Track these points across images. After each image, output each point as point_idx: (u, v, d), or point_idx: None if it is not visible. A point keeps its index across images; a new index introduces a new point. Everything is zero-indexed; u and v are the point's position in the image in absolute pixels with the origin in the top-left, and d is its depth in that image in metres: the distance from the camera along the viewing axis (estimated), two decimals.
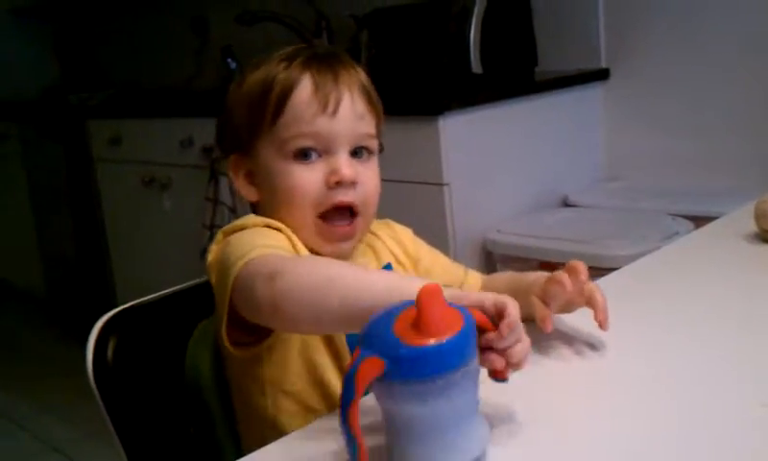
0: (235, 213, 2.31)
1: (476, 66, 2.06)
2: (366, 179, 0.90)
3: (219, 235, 0.88)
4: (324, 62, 0.90)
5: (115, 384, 0.92)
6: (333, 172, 0.87)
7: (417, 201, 1.90)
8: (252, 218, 0.88)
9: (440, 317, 0.60)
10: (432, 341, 0.59)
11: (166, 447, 0.93)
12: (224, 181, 2.33)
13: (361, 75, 0.92)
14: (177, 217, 2.72)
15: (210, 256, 0.87)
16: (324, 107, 0.87)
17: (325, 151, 0.88)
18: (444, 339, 0.59)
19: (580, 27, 2.22)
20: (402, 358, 0.59)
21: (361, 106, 0.90)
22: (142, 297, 1.01)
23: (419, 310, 0.60)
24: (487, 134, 1.95)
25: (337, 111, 0.88)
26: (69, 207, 3.24)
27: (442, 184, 1.85)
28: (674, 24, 2.07)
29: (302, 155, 0.88)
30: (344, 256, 0.92)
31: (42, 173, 3.39)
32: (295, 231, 0.89)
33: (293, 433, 0.75)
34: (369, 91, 0.92)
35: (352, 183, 0.88)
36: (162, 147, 2.69)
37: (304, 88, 0.88)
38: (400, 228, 1.03)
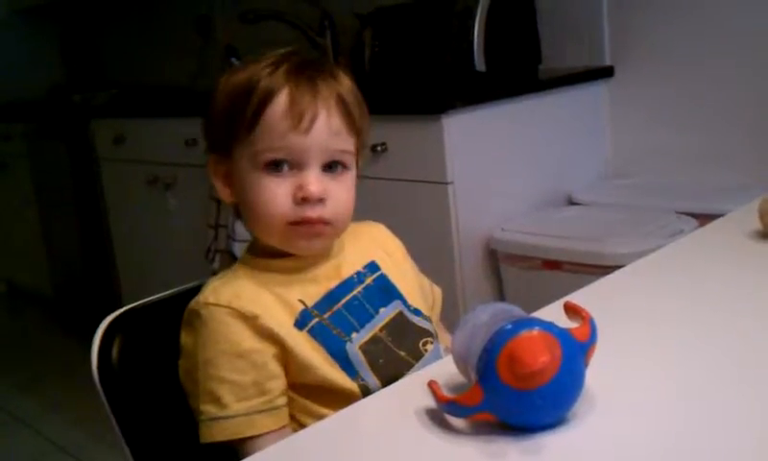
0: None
1: (480, 64, 2.06)
2: (336, 194, 0.90)
3: (186, 314, 0.90)
4: (305, 74, 0.89)
5: (120, 384, 0.92)
6: (300, 188, 0.88)
7: (421, 199, 1.90)
8: (210, 293, 0.88)
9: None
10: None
11: (171, 446, 0.93)
12: None
13: (343, 87, 0.91)
14: (181, 216, 2.72)
15: (183, 336, 0.90)
16: (298, 122, 0.87)
17: (296, 165, 0.88)
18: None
19: (584, 24, 2.21)
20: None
21: (337, 122, 0.90)
22: (147, 296, 1.01)
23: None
24: (491, 133, 1.95)
25: (311, 129, 0.87)
26: (74, 207, 3.25)
27: (446, 183, 1.85)
28: (678, 21, 2.07)
29: (273, 166, 0.88)
30: (319, 255, 0.93)
31: (47, 173, 3.40)
32: (267, 237, 0.91)
33: (292, 436, 0.75)
34: (349, 106, 0.91)
35: (320, 200, 0.88)
36: (166, 146, 2.70)
37: (280, 102, 0.87)
38: (376, 226, 1.06)
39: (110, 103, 3.27)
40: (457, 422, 0.69)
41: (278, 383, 0.87)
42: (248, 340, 0.86)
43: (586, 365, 0.68)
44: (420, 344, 0.95)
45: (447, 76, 2.11)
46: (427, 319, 0.99)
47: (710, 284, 0.99)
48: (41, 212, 3.53)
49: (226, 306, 0.87)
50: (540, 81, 2.13)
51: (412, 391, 0.76)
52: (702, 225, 1.46)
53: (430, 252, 1.81)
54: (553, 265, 1.80)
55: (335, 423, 0.75)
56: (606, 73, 2.20)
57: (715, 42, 2.02)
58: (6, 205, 3.80)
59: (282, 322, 0.88)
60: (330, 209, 0.89)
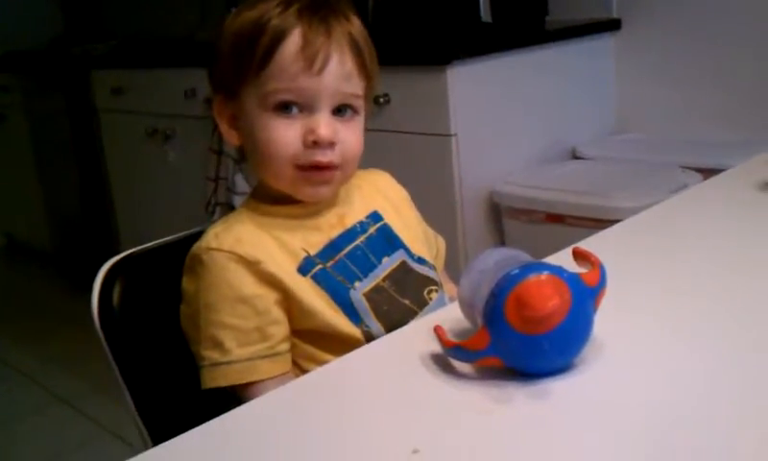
0: (240, 164, 2.30)
1: (485, 15, 2.02)
2: (345, 138, 0.88)
3: (188, 259, 0.89)
4: (319, 14, 0.87)
5: (121, 329, 0.91)
6: (310, 131, 0.86)
7: (424, 152, 1.89)
8: (212, 239, 0.87)
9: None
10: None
11: (173, 392, 0.93)
12: None
13: (355, 28, 0.90)
14: (180, 168, 2.71)
15: (184, 282, 0.89)
16: (311, 64, 0.85)
17: (307, 107, 0.87)
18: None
19: None
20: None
21: (350, 65, 0.88)
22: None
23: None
24: (495, 85, 1.93)
25: (323, 70, 0.85)
26: (73, 159, 3.23)
27: (449, 135, 1.83)
28: None
29: (283, 108, 0.86)
30: (324, 202, 0.92)
31: (45, 125, 3.37)
32: (274, 179, 0.90)
33: (295, 381, 0.74)
34: (361, 49, 0.89)
35: (330, 144, 0.87)
36: (166, 98, 2.67)
37: (293, 42, 0.85)
38: (381, 174, 1.04)
39: (110, 54, 3.23)
40: (463, 366, 0.68)
41: (281, 329, 0.86)
42: (250, 285, 0.85)
43: (595, 310, 0.67)
44: (425, 292, 0.94)
45: (452, 26, 2.08)
46: (432, 267, 0.98)
47: (713, 237, 0.98)
48: (40, 165, 3.51)
49: (228, 251, 0.86)
50: (546, 32, 2.10)
51: (417, 336, 0.75)
52: (706, 179, 1.45)
53: (433, 204, 1.79)
54: (556, 219, 1.79)
55: (338, 367, 0.75)
56: (613, 26, 2.17)
57: None
58: (4, 157, 3.78)
59: (285, 267, 0.87)
60: (339, 153, 0.88)
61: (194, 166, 2.55)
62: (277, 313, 0.86)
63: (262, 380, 0.84)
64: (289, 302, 0.86)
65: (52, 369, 2.71)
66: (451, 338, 0.69)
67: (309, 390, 0.71)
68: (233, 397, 0.84)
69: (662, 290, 0.83)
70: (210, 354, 0.85)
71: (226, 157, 2.34)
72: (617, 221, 1.09)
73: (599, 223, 1.65)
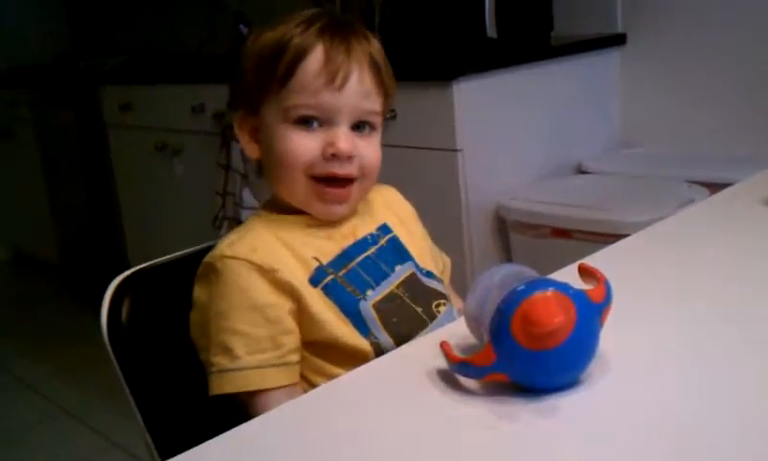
0: (247, 179, 2.31)
1: (491, 31, 2.03)
2: (364, 151, 0.91)
3: (201, 267, 0.90)
4: (340, 33, 0.90)
5: (129, 344, 0.92)
6: (330, 144, 0.89)
7: (430, 167, 1.89)
8: (227, 247, 0.88)
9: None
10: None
11: (180, 406, 0.93)
12: (236, 148, 2.32)
13: (374, 48, 0.93)
14: (189, 183, 2.72)
15: (197, 290, 0.90)
16: (332, 80, 0.88)
17: (327, 122, 0.89)
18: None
19: None
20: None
21: (369, 83, 0.91)
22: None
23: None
24: (501, 100, 1.93)
25: (344, 87, 0.88)
26: (81, 174, 3.24)
27: (455, 150, 1.84)
28: None
29: (304, 122, 0.89)
30: (337, 220, 0.93)
31: (54, 139, 3.39)
32: (288, 192, 0.91)
33: (303, 396, 0.75)
34: (379, 67, 0.92)
35: (349, 157, 0.89)
36: (174, 113, 2.69)
37: (315, 58, 0.88)
38: (388, 189, 1.06)
39: (118, 69, 3.25)
40: (469, 383, 0.69)
41: (292, 339, 0.87)
42: (265, 294, 0.86)
43: (600, 326, 0.67)
44: (434, 305, 0.95)
45: (458, 42, 2.09)
46: (439, 281, 0.99)
47: (720, 252, 0.98)
48: (48, 179, 3.52)
49: (243, 259, 0.87)
50: (551, 48, 2.11)
51: (424, 352, 0.76)
52: (713, 194, 1.45)
53: (439, 220, 1.80)
54: (562, 233, 1.79)
55: (346, 382, 0.75)
56: (618, 40, 2.17)
57: (729, 12, 1.99)
58: (12, 171, 3.80)
59: (298, 276, 0.88)
60: (357, 166, 0.91)
61: (202, 181, 2.57)
62: (290, 323, 0.87)
63: (269, 390, 0.85)
64: (301, 312, 0.87)
65: (57, 381, 2.72)
66: (458, 354, 0.70)
67: (319, 404, 0.72)
68: (242, 410, 0.85)
69: (669, 305, 0.83)
70: (219, 361, 0.85)
71: (233, 173, 2.36)
72: (624, 236, 1.10)
73: (605, 237, 1.65)
